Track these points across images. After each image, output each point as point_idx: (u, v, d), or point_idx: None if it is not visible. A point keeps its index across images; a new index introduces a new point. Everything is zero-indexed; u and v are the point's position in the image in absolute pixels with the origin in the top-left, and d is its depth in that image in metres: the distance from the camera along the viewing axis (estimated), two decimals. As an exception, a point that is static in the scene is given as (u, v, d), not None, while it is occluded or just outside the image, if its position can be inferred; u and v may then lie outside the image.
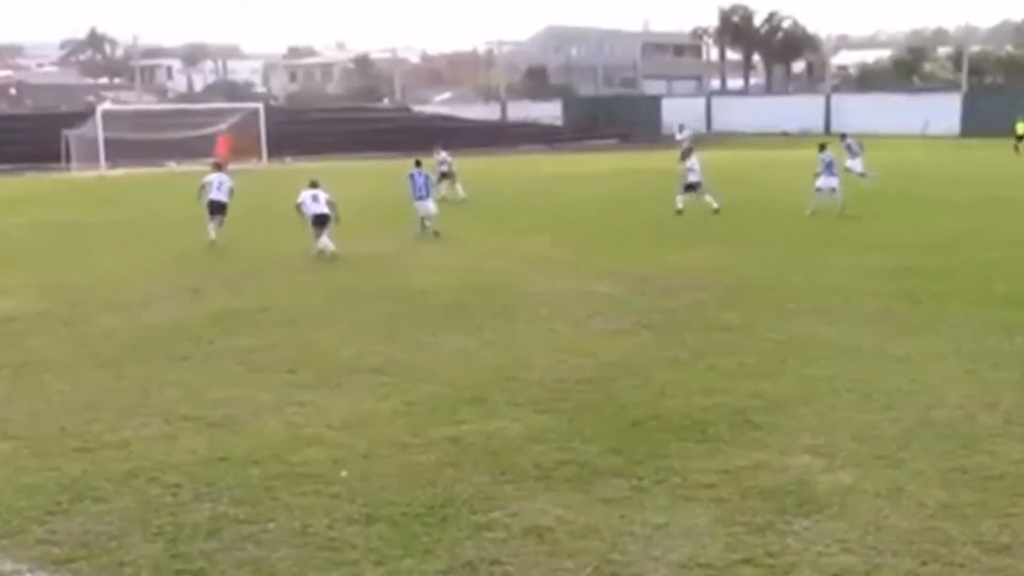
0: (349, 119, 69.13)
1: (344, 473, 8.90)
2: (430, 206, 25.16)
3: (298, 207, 22.30)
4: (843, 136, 32.64)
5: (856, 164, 33.36)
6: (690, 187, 28.27)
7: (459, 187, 33.06)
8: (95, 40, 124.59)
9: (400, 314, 15.65)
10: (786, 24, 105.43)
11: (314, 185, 22.60)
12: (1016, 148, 48.31)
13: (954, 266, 19.04)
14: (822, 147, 29.78)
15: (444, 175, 32.94)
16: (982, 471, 8.75)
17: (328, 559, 7.32)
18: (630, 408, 10.66)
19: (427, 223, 24.86)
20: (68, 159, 50.75)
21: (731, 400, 10.85)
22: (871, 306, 15.56)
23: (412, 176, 25.26)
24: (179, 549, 7.50)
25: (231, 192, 24.18)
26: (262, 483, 8.71)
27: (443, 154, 33.73)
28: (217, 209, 23.91)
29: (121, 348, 13.75)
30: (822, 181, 28.03)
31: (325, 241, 21.79)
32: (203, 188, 24.04)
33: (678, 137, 40.74)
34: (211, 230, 23.65)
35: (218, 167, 25.91)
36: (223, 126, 54.14)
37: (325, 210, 22.06)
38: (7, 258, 22.36)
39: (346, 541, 7.58)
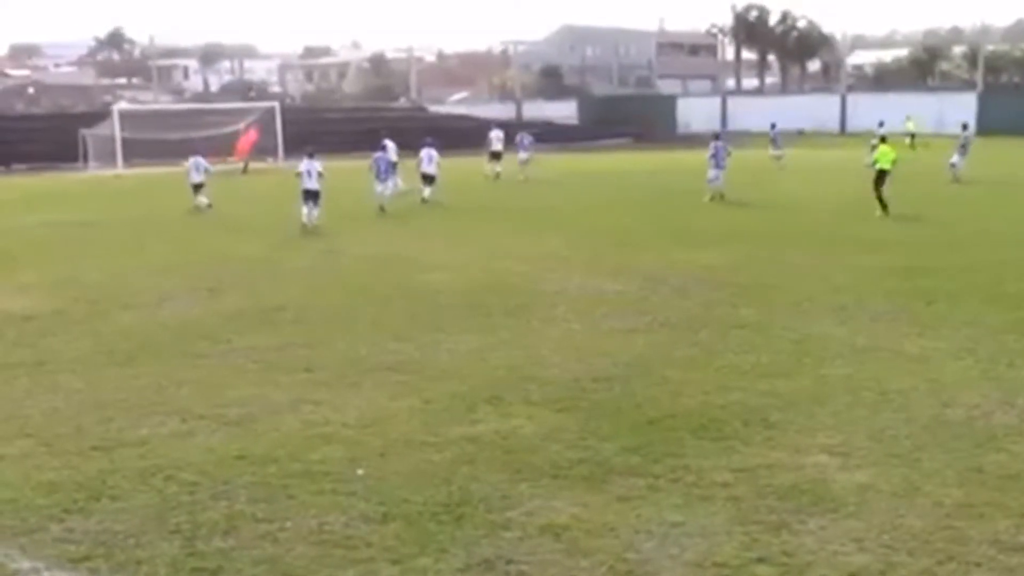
0: (365, 118, 69.09)
1: (360, 471, 8.92)
2: (387, 186, 29.59)
3: (298, 175, 26.00)
4: (716, 136, 33.38)
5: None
6: (426, 178, 32.01)
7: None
8: (116, 40, 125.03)
9: (416, 313, 15.67)
10: (801, 23, 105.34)
11: (311, 156, 26.16)
12: (912, 145, 48.38)
13: (968, 265, 18.98)
14: (716, 136, 32.21)
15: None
16: (999, 470, 8.73)
17: (344, 557, 7.34)
18: (646, 407, 10.66)
19: (383, 201, 28.81)
20: (85, 158, 50.92)
21: (746, 399, 10.84)
22: (886, 305, 15.53)
23: (376, 160, 29.78)
24: (196, 547, 7.53)
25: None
26: (279, 481, 8.73)
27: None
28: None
29: (137, 346, 13.79)
30: (712, 172, 30.91)
31: (310, 214, 25.41)
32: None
33: (493, 135, 43.74)
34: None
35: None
36: (241, 125, 54.21)
37: (315, 186, 25.53)
38: (24, 257, 22.44)
39: (362, 539, 7.60)
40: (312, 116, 69.09)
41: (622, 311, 15.51)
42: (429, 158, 32.29)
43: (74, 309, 16.42)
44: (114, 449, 9.64)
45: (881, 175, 27.42)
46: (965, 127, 38.94)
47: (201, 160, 31.98)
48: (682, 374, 11.89)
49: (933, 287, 16.75)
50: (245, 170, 48.24)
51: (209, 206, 30.88)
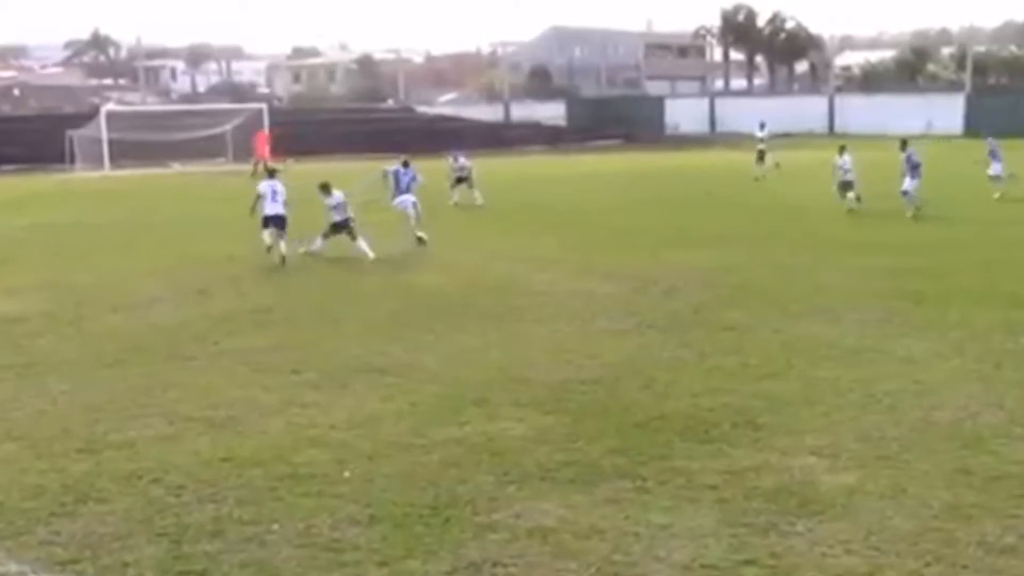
0: (353, 120, 69.13)
1: (347, 474, 8.90)
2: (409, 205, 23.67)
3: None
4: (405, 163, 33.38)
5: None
6: (460, 181, 31.83)
7: (476, 192, 31.80)
8: (98, 41, 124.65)
9: (404, 314, 15.65)
10: (789, 25, 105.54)
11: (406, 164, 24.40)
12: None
13: (956, 266, 19.03)
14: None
15: (460, 179, 32.16)
16: (986, 472, 8.74)
17: (331, 560, 7.32)
18: (634, 409, 10.65)
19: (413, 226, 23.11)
20: (72, 160, 50.78)
21: (735, 401, 10.84)
22: (874, 307, 15.54)
23: (396, 173, 24.10)
24: (182, 550, 7.51)
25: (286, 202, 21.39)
26: (265, 484, 8.71)
27: (461, 160, 32.70)
28: (275, 223, 20.99)
29: (125, 349, 13.75)
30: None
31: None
32: (258, 199, 21.33)
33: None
34: (266, 237, 21.09)
35: (270, 173, 23.16)
36: (228, 127, 54.13)
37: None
38: (11, 259, 22.36)
39: (349, 542, 7.58)
40: (300, 118, 69.06)
41: (611, 313, 15.51)
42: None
43: (62, 311, 16.36)
44: (101, 452, 9.61)
45: None
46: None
47: (279, 185, 21.61)
48: (670, 376, 11.89)
49: (921, 288, 16.78)
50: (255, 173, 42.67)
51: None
